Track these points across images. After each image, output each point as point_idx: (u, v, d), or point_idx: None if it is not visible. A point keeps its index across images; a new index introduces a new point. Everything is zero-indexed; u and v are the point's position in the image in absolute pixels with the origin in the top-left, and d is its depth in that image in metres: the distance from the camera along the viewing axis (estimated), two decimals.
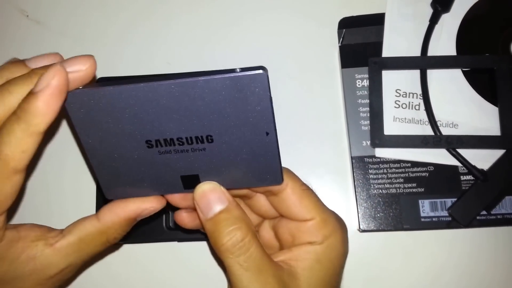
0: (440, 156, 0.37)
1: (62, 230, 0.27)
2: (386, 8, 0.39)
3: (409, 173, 0.37)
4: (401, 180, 0.37)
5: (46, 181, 0.40)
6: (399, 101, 0.38)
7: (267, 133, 0.24)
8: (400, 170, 0.37)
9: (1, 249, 0.26)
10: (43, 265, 0.26)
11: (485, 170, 0.36)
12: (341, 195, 0.38)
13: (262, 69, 0.22)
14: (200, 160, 0.25)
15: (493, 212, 0.35)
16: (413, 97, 0.38)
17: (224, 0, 0.42)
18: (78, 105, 0.24)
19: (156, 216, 0.37)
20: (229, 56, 0.41)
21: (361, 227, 0.36)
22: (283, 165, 0.27)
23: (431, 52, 0.39)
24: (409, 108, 0.38)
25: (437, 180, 0.37)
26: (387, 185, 0.37)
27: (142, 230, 0.37)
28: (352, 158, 0.37)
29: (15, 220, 0.39)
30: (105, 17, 0.43)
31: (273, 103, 0.23)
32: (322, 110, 0.40)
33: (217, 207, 0.26)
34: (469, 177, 0.36)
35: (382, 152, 0.37)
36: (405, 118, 0.38)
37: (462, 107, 0.38)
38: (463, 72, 0.38)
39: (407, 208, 0.36)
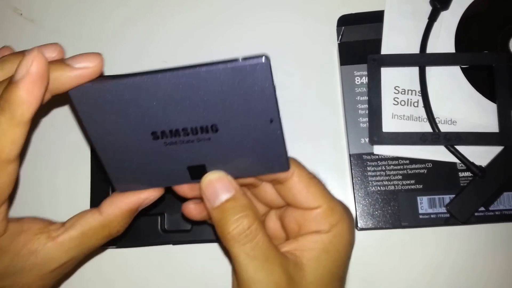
0: (439, 153, 0.37)
1: (63, 223, 0.27)
2: (385, 5, 0.39)
3: (408, 170, 0.37)
4: (400, 177, 0.37)
5: (38, 178, 0.40)
6: (397, 98, 0.38)
7: (272, 120, 0.24)
8: (398, 167, 0.37)
9: (4, 242, 0.25)
10: (45, 259, 0.26)
11: (483, 166, 0.36)
12: (339, 193, 0.38)
13: (264, 57, 0.22)
14: (206, 150, 0.25)
15: (491, 208, 0.35)
16: (411, 94, 0.38)
17: None
18: (85, 100, 0.24)
19: (152, 210, 0.37)
20: (227, 54, 0.40)
21: (359, 225, 0.36)
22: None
23: (430, 49, 0.39)
24: (407, 105, 0.38)
25: (436, 177, 0.37)
26: (386, 182, 0.37)
27: (137, 233, 0.37)
28: (350, 155, 0.37)
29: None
30: (100, 16, 0.43)
31: None
32: (321, 108, 0.40)
33: (224, 196, 0.26)
34: (468, 173, 0.36)
35: (380, 149, 0.37)
36: (403, 115, 0.38)
37: (460, 104, 0.38)
38: (462, 69, 0.38)
39: (406, 205, 0.36)
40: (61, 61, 0.24)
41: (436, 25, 0.39)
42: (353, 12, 0.40)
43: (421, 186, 0.37)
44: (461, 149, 0.36)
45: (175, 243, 0.38)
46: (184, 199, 0.30)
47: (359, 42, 0.39)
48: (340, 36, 0.39)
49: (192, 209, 0.31)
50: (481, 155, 0.36)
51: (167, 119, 0.24)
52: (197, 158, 0.26)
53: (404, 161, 0.37)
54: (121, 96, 0.23)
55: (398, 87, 0.39)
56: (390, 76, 0.39)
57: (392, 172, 0.37)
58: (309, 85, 0.40)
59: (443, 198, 0.36)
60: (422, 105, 0.38)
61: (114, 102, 0.24)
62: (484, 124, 0.37)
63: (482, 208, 0.36)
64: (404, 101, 0.38)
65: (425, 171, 0.37)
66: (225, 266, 0.37)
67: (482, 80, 0.38)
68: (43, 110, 0.40)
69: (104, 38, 0.42)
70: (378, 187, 0.37)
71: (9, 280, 0.26)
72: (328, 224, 0.27)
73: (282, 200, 0.29)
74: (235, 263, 0.26)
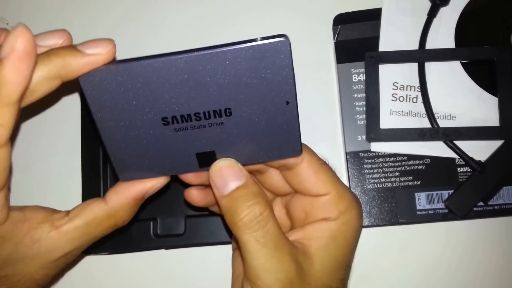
0: (437, 149, 0.36)
1: (67, 212, 0.27)
2: (383, 2, 0.39)
3: (405, 166, 0.36)
4: (397, 173, 0.36)
5: (31, 175, 0.40)
6: (396, 94, 0.38)
7: (288, 102, 0.24)
8: (396, 164, 0.37)
9: (5, 230, 0.25)
10: (48, 248, 0.25)
11: (483, 161, 0.35)
12: None
13: (283, 37, 0.22)
14: (218, 135, 0.25)
15: (490, 203, 0.34)
16: (410, 90, 0.38)
17: None
18: (94, 85, 0.23)
19: (144, 215, 0.37)
20: None
21: None
22: None
23: (429, 45, 0.38)
24: (406, 101, 0.38)
25: (434, 173, 0.36)
26: (383, 179, 0.36)
27: (129, 239, 0.36)
28: (346, 153, 0.37)
29: None
30: (91, 21, 0.42)
31: None
32: (317, 106, 0.40)
33: (234, 184, 0.25)
34: (466, 169, 0.35)
35: (378, 146, 0.37)
36: (402, 111, 0.37)
37: (460, 98, 0.37)
38: (462, 64, 0.37)
39: (403, 201, 0.36)
40: (73, 47, 0.23)
41: (435, 21, 0.38)
42: (349, 10, 0.40)
43: (419, 183, 0.36)
44: (461, 144, 0.35)
45: (168, 247, 0.37)
46: (187, 185, 0.29)
47: (356, 40, 0.39)
48: (336, 35, 0.39)
49: (195, 195, 0.30)
50: (481, 150, 0.35)
51: (179, 103, 0.23)
52: (208, 144, 0.25)
53: (402, 158, 0.37)
54: (133, 80, 0.22)
55: (397, 83, 0.38)
56: (388, 73, 0.38)
57: (389, 169, 0.37)
58: (305, 84, 0.40)
59: (441, 193, 0.35)
60: (421, 100, 0.37)
61: (125, 86, 0.23)
62: (484, 118, 0.36)
63: (481, 203, 0.34)
64: (402, 97, 0.38)
65: (423, 167, 0.36)
66: (219, 269, 0.36)
67: (482, 73, 0.37)
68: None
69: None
70: (375, 185, 0.36)
71: (11, 269, 0.26)
72: (337, 211, 0.26)
73: (289, 187, 0.29)
74: (244, 251, 0.25)
